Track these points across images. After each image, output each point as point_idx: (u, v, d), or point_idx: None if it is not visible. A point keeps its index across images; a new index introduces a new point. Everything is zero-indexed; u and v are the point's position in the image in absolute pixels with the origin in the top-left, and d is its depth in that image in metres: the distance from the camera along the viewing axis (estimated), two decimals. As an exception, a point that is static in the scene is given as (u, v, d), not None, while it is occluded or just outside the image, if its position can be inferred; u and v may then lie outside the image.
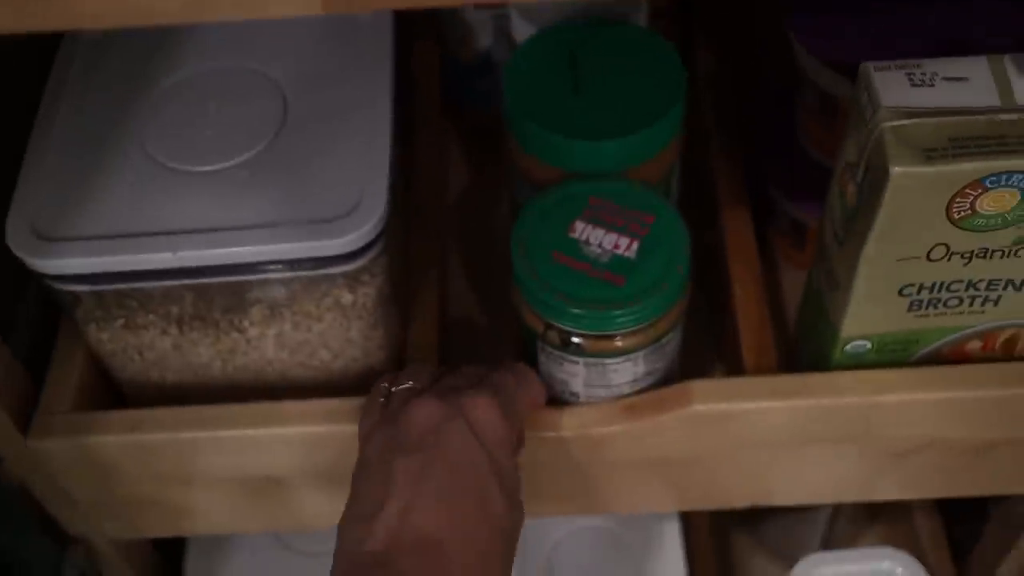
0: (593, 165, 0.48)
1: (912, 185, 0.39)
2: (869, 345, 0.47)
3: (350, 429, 0.45)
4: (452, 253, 0.60)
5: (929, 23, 0.48)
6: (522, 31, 0.53)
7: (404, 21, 0.59)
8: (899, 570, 0.57)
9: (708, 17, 0.61)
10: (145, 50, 0.49)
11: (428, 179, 0.56)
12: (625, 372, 0.46)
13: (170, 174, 0.45)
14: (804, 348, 0.51)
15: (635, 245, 0.45)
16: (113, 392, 0.51)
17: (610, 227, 0.46)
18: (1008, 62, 0.41)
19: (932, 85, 0.41)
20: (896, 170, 0.39)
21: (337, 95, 0.47)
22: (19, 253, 0.43)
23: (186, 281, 0.44)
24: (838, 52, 0.48)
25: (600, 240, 0.46)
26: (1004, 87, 0.40)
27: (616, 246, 0.45)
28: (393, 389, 0.43)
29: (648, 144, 0.48)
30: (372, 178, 0.44)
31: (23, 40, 0.38)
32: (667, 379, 0.48)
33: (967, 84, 0.40)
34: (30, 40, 0.48)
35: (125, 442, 0.47)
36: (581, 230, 0.46)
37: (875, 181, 0.40)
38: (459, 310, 0.58)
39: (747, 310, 0.50)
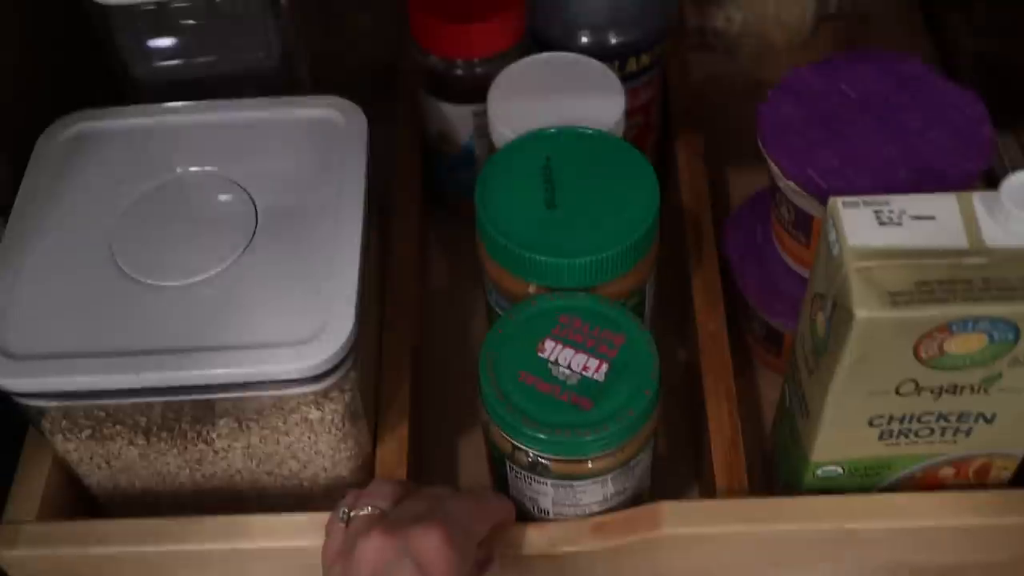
0: (565, 281, 0.48)
1: (878, 328, 0.39)
2: (840, 470, 0.46)
3: (316, 546, 0.45)
4: (427, 351, 0.59)
5: (898, 147, 0.48)
6: (498, 134, 0.53)
7: (387, 111, 0.60)
8: None
9: (685, 120, 0.61)
10: (118, 156, 0.49)
11: (405, 272, 0.56)
12: (594, 493, 0.46)
13: (139, 289, 0.45)
14: (780, 464, 0.50)
15: (604, 367, 0.45)
16: (81, 493, 0.50)
17: (579, 347, 0.46)
18: (976, 201, 0.41)
19: (899, 224, 0.40)
20: (861, 314, 0.38)
21: (308, 203, 0.47)
22: (-17, 371, 0.43)
23: (152, 399, 0.44)
24: (811, 176, 0.47)
25: (569, 361, 0.45)
26: (971, 227, 0.40)
27: (585, 368, 0.45)
28: (352, 513, 0.43)
29: (621, 261, 0.48)
30: (340, 298, 0.44)
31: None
32: (637, 497, 0.48)
33: (935, 223, 0.40)
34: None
35: (90, 554, 0.46)
36: (551, 349, 0.46)
37: (842, 320, 0.40)
38: (431, 416, 0.57)
39: (720, 430, 0.50)
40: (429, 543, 0.39)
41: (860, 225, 0.40)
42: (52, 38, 0.59)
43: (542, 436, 0.44)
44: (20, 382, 0.43)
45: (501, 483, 0.48)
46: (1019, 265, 0.39)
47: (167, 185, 0.49)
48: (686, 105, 0.62)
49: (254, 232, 0.47)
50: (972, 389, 0.42)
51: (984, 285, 0.39)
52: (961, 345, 0.40)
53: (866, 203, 0.41)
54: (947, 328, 0.39)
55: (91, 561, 0.47)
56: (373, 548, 0.40)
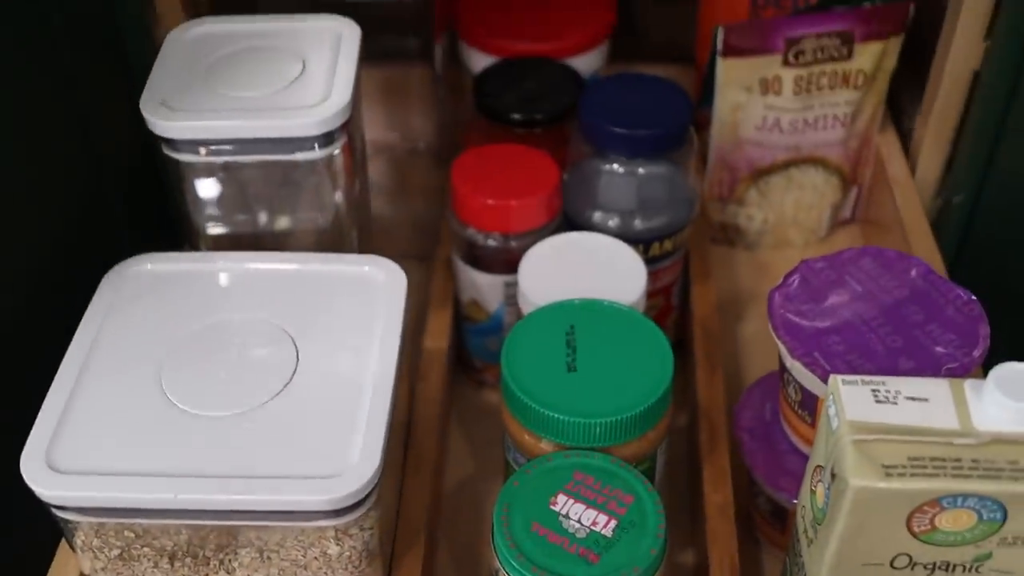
0: (580, 441, 0.51)
1: (872, 498, 0.41)
2: (836, 642, 0.47)
3: None
4: (444, 502, 0.61)
5: (901, 337, 0.51)
6: (527, 302, 0.57)
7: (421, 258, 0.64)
8: None
9: (704, 305, 0.65)
10: (174, 297, 0.54)
11: (427, 429, 0.59)
12: (595, 648, 0.47)
13: (182, 416, 0.48)
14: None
15: (612, 524, 0.47)
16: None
17: (590, 503, 0.48)
18: (967, 387, 0.44)
19: (895, 403, 0.43)
20: (856, 483, 0.41)
21: (346, 351, 0.51)
22: (29, 482, 0.46)
23: (183, 521, 0.46)
24: (817, 358, 0.51)
25: (580, 515, 0.48)
26: (962, 410, 0.43)
27: (594, 523, 0.47)
28: None
29: (633, 425, 0.51)
30: (368, 440, 0.47)
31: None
32: (638, 657, 0.49)
33: (928, 404, 0.43)
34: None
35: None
36: (563, 503, 0.48)
37: (839, 490, 0.42)
38: (444, 562, 0.59)
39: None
40: None
41: (858, 402, 0.43)
42: (122, 185, 0.64)
43: (549, 585, 0.45)
44: (62, 495, 0.45)
45: (507, 633, 0.50)
46: (1005, 448, 0.42)
47: (218, 326, 0.52)
48: (705, 291, 0.66)
49: (293, 373, 0.50)
50: (964, 568, 0.44)
51: (973, 464, 0.41)
52: (952, 521, 0.42)
53: (864, 382, 0.44)
54: (938, 503, 0.41)
55: None
56: None
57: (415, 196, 0.78)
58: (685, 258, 0.67)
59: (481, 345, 0.67)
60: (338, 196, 0.57)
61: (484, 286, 0.63)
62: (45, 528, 0.51)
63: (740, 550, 0.53)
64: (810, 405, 0.53)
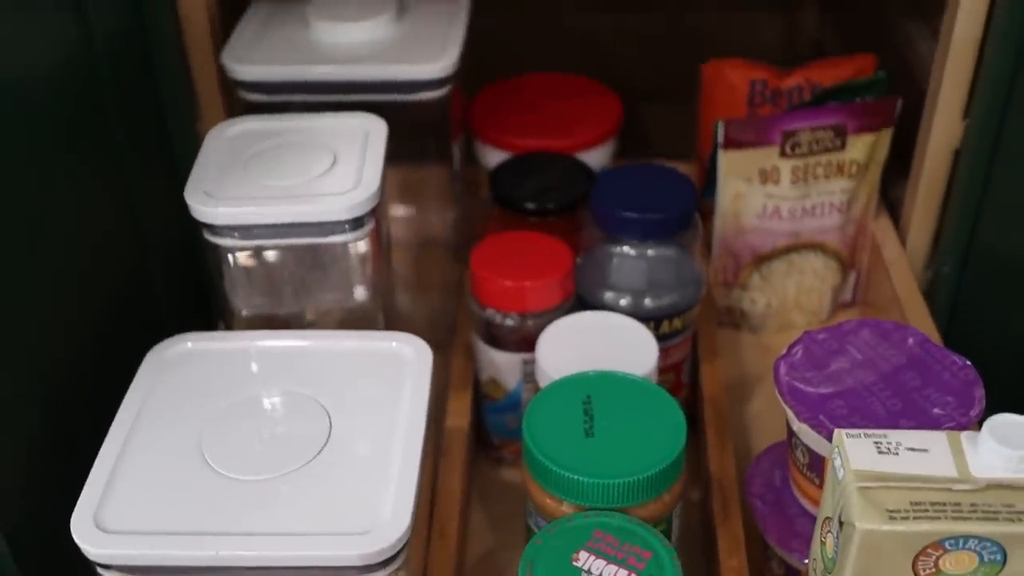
0: (600, 502, 0.53)
1: (877, 541, 0.44)
2: None
3: None
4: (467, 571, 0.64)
5: (900, 401, 0.54)
6: (545, 376, 0.60)
7: (440, 345, 0.68)
8: None
9: (712, 381, 0.68)
10: (213, 372, 0.57)
11: (451, 504, 0.61)
12: None
13: (221, 480, 0.51)
14: None
15: (632, 578, 0.50)
16: None
17: (610, 559, 0.50)
18: (964, 438, 0.46)
19: (896, 454, 0.46)
20: (862, 527, 0.43)
21: (376, 422, 0.54)
22: (79, 542, 0.48)
23: (220, 577, 0.49)
24: (822, 420, 0.53)
25: (601, 570, 0.50)
26: (960, 460, 0.46)
27: (615, 577, 0.50)
28: None
29: (649, 486, 0.53)
30: (398, 502, 0.50)
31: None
32: None
33: (927, 455, 0.46)
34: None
35: None
36: (584, 560, 0.50)
37: (847, 535, 0.45)
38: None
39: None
40: None
41: (862, 453, 0.46)
42: (164, 272, 0.68)
43: (573, 636, 0.48)
44: (109, 552, 0.48)
45: None
46: (1001, 493, 0.44)
47: (254, 398, 0.55)
48: (713, 369, 0.69)
49: (327, 441, 0.53)
50: (971, 610, 0.46)
51: (972, 508, 0.44)
52: (955, 564, 0.44)
53: (867, 435, 0.47)
54: (941, 545, 0.44)
55: None
56: None
57: (433, 290, 0.82)
58: (694, 338, 0.70)
59: (500, 423, 0.70)
60: (366, 279, 0.61)
61: (502, 364, 0.66)
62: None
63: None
64: (818, 467, 0.55)
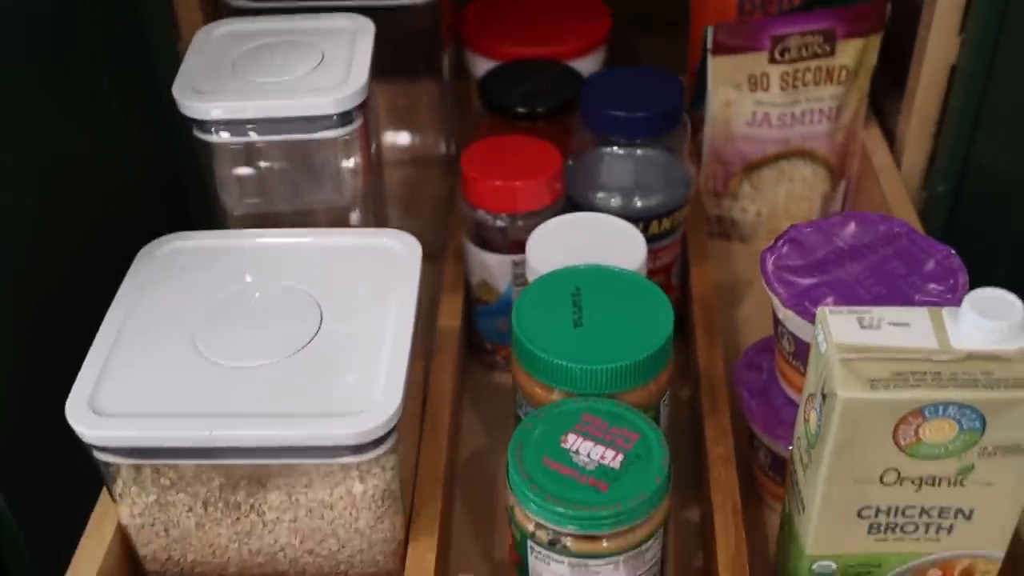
0: (588, 389, 0.54)
1: (859, 410, 0.44)
2: (834, 566, 0.50)
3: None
4: (458, 478, 0.64)
5: (885, 287, 0.55)
6: (534, 274, 0.60)
7: (432, 258, 0.68)
8: None
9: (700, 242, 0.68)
10: (206, 268, 0.57)
11: (442, 403, 0.62)
12: (608, 575, 0.50)
13: (214, 367, 0.52)
14: (780, 571, 0.54)
15: (619, 458, 0.50)
16: (135, 570, 0.55)
17: (598, 440, 0.51)
18: (945, 313, 0.47)
19: (878, 328, 0.47)
20: (844, 396, 0.44)
21: (367, 309, 0.54)
22: (73, 424, 0.49)
23: (217, 461, 0.50)
24: (807, 306, 0.54)
25: (588, 451, 0.51)
26: (940, 333, 0.46)
27: (602, 457, 0.50)
28: None
29: (637, 372, 0.54)
30: (389, 383, 0.50)
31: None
32: (647, 590, 0.52)
33: (909, 329, 0.47)
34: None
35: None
36: (572, 441, 0.51)
37: (829, 407, 0.45)
38: (461, 523, 0.62)
39: (727, 545, 0.54)
40: None
41: (844, 328, 0.47)
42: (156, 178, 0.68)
43: (562, 511, 0.48)
44: (103, 435, 0.49)
45: (522, 569, 0.52)
46: (980, 362, 0.45)
47: (246, 292, 0.56)
48: (703, 271, 0.70)
49: (318, 329, 0.54)
50: (949, 482, 0.47)
51: (951, 376, 0.45)
52: (935, 432, 0.45)
53: (850, 312, 0.48)
54: (921, 413, 0.44)
55: (141, 620, 0.51)
56: None
57: (425, 204, 0.82)
58: (683, 241, 0.71)
59: (492, 327, 0.70)
60: (355, 177, 0.61)
61: (493, 266, 0.67)
62: (85, 491, 0.55)
63: (743, 506, 0.56)
64: (803, 355, 0.56)
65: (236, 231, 0.60)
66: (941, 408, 0.44)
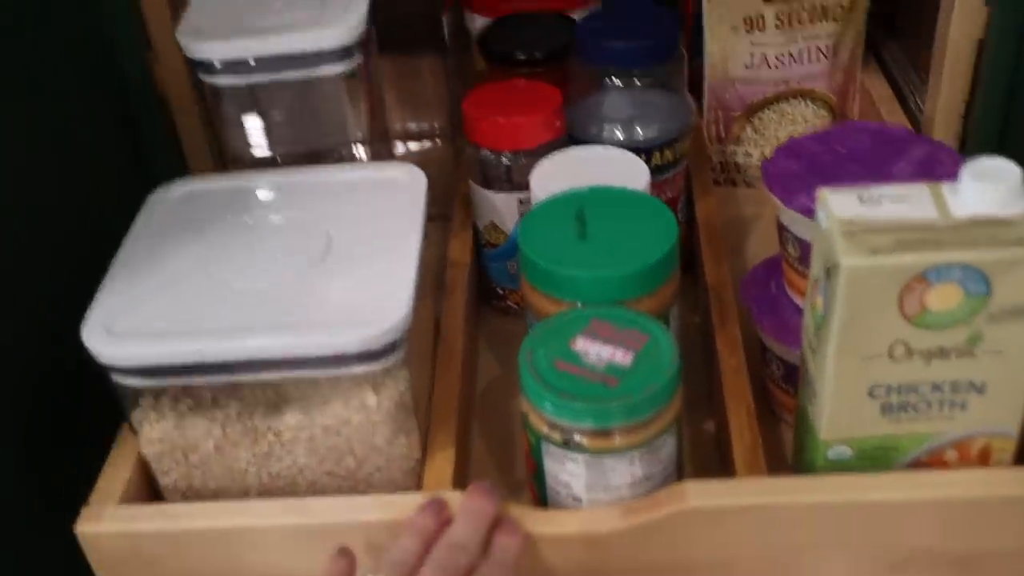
0: (595, 297, 0.54)
1: (863, 278, 0.45)
2: (850, 452, 0.50)
3: (378, 520, 0.50)
4: (476, 408, 0.65)
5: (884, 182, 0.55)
6: (540, 198, 0.61)
7: (440, 201, 0.69)
8: None
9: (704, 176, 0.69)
10: (218, 204, 0.58)
11: (455, 334, 0.62)
12: (623, 473, 0.50)
13: (228, 290, 0.52)
14: (796, 464, 0.54)
15: (629, 356, 0.51)
16: (156, 499, 0.55)
17: (607, 342, 0.51)
18: (945, 188, 0.47)
19: (879, 203, 0.47)
20: (847, 264, 0.44)
21: (375, 234, 0.55)
22: (89, 345, 0.50)
23: (232, 377, 0.50)
24: (808, 205, 0.54)
25: (598, 352, 0.51)
26: (941, 205, 0.47)
27: (612, 356, 0.51)
28: None
29: (643, 280, 0.54)
30: (397, 294, 0.51)
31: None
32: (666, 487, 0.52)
33: (909, 203, 0.47)
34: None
35: (165, 531, 0.51)
36: (582, 344, 0.51)
37: (834, 281, 0.46)
38: (480, 452, 0.62)
39: (741, 438, 0.54)
40: None
41: (845, 205, 0.47)
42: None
43: (573, 406, 0.49)
44: (119, 353, 0.49)
45: (539, 476, 0.53)
46: (981, 227, 0.45)
47: (257, 224, 0.57)
48: (708, 202, 0.70)
49: (327, 253, 0.54)
50: (959, 353, 0.47)
51: (953, 240, 0.45)
52: (940, 299, 0.45)
53: (850, 191, 0.48)
54: (924, 279, 0.45)
55: (165, 541, 0.51)
56: None
57: (430, 168, 0.83)
58: (687, 175, 0.71)
59: (502, 270, 0.71)
60: (358, 115, 0.62)
61: (500, 206, 0.68)
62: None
63: (758, 423, 0.56)
64: (807, 258, 0.56)
65: (244, 172, 0.61)
66: (945, 271, 0.45)
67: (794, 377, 0.60)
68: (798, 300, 0.59)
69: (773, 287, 0.61)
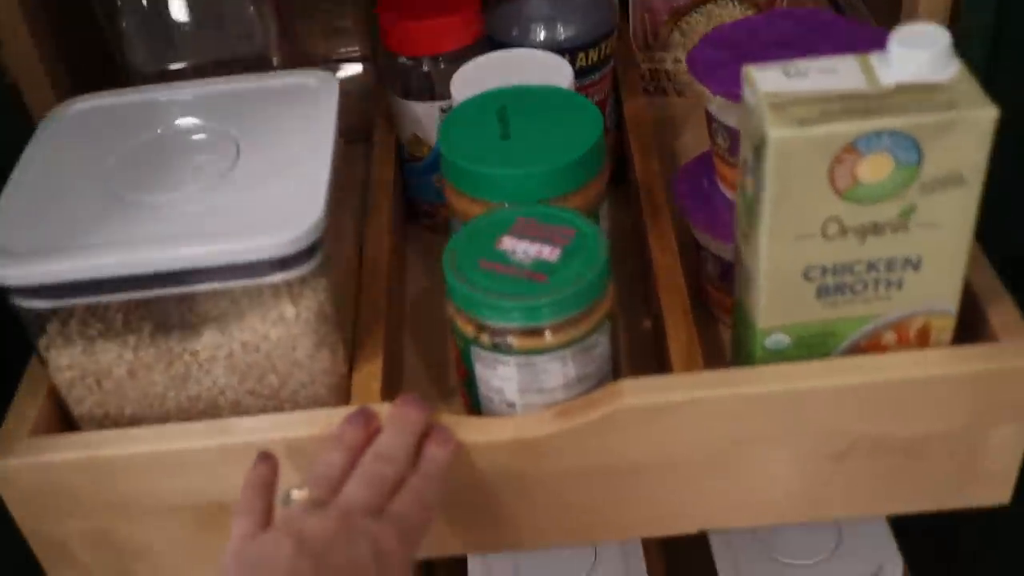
0: (521, 197, 0.52)
1: (792, 150, 0.43)
2: (788, 340, 0.49)
3: (302, 436, 0.48)
4: (408, 322, 0.63)
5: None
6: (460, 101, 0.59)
7: (364, 119, 0.66)
8: None
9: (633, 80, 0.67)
10: (120, 119, 0.55)
11: (379, 247, 0.60)
12: (556, 374, 0.49)
13: (132, 203, 0.49)
14: (734, 357, 0.53)
15: (557, 252, 0.49)
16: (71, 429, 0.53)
17: (534, 239, 0.49)
18: (873, 58, 0.46)
19: (806, 76, 0.45)
20: (775, 135, 0.43)
21: (285, 141, 0.52)
22: (-18, 269, 0.47)
23: (140, 293, 0.47)
24: (734, 91, 0.52)
25: (525, 249, 0.49)
26: (870, 75, 0.45)
27: (539, 253, 0.49)
28: (294, 495, 0.44)
29: (567, 176, 0.52)
30: (311, 198, 0.49)
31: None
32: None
33: (837, 74, 0.45)
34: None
35: (78, 460, 0.48)
36: (508, 243, 0.49)
37: (762, 157, 0.44)
38: (411, 360, 0.60)
39: (677, 336, 0.53)
40: (383, 539, 0.42)
41: (772, 80, 0.45)
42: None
43: (502, 304, 0.47)
44: (16, 272, 0.46)
45: (471, 384, 0.51)
46: (911, 93, 0.44)
47: (161, 137, 0.54)
48: (636, 103, 0.68)
49: (236, 162, 0.52)
50: (893, 228, 0.45)
51: (882, 106, 0.43)
52: (871, 170, 0.44)
53: (776, 66, 0.46)
54: (855, 149, 0.43)
55: (81, 471, 0.49)
56: (323, 527, 0.41)
57: (352, 95, 0.80)
58: (615, 81, 0.69)
59: (428, 184, 0.68)
60: (265, 21, 0.59)
61: (422, 116, 0.65)
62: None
63: (696, 325, 0.54)
64: (738, 148, 0.55)
65: (146, 87, 0.58)
66: (875, 139, 0.43)
67: (730, 275, 0.59)
68: (730, 195, 0.57)
69: (705, 183, 0.60)
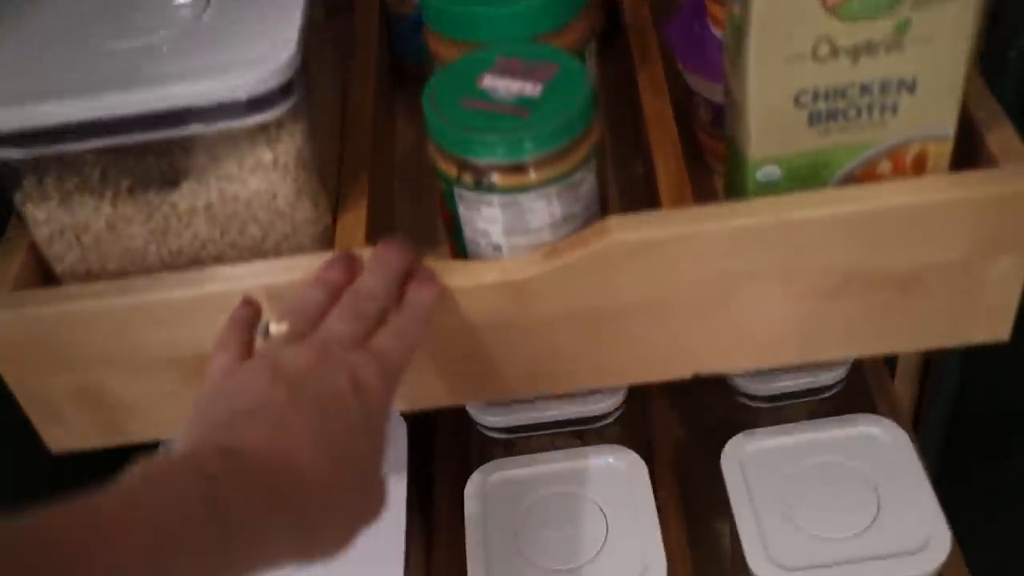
0: (504, 36, 0.50)
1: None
2: (779, 172, 0.47)
3: (284, 281, 0.47)
4: (394, 181, 0.62)
5: None
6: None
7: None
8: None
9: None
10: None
11: (364, 99, 0.58)
12: (541, 213, 0.47)
13: (101, 50, 0.48)
14: (727, 193, 0.52)
15: (539, 88, 0.47)
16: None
17: (516, 76, 0.48)
18: None
19: None
20: (759, -56, 0.41)
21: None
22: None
23: (113, 139, 0.46)
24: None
25: (507, 86, 0.47)
26: None
27: (522, 89, 0.47)
28: (272, 329, 0.43)
29: (554, 12, 0.51)
30: (283, 37, 0.47)
31: None
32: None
33: None
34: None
35: (60, 312, 0.48)
36: (489, 81, 0.48)
37: (748, -26, 0.42)
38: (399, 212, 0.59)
39: (667, 174, 0.51)
40: (363, 371, 0.41)
41: None
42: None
43: (484, 139, 0.45)
44: (-9, 121, 0.45)
45: (456, 228, 0.50)
46: None
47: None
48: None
49: (207, 6, 0.50)
50: (887, 47, 0.44)
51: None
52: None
53: None
54: (845, -40, 0.41)
55: (64, 323, 0.48)
56: (305, 359, 0.41)
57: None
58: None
59: (416, 44, 0.66)
60: None
61: (405, -29, 0.63)
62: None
63: (688, 171, 0.52)
64: (720, 120, 0.52)
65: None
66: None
67: (722, 119, 0.57)
68: (721, 35, 0.55)
69: (696, 27, 0.58)
